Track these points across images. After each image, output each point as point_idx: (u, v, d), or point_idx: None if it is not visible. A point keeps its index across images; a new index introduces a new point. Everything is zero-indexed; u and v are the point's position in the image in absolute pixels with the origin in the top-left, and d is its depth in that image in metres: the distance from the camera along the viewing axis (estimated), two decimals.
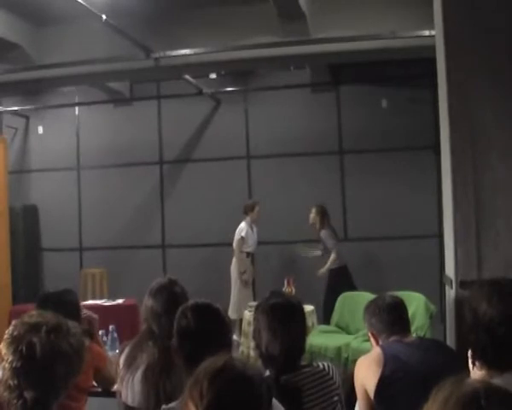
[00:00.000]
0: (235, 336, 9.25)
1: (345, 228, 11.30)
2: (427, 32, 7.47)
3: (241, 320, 8.98)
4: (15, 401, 2.27)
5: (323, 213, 9.79)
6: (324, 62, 10.43)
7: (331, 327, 8.66)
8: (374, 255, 10.97)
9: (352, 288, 9.45)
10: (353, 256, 10.93)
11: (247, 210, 10.10)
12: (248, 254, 10.09)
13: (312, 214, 9.82)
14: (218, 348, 2.57)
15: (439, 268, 9.60)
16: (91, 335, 4.23)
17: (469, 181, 4.52)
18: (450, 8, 4.66)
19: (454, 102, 4.62)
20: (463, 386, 1.66)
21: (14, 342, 2.30)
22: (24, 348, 2.26)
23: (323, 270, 9.51)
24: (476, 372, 2.55)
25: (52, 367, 2.27)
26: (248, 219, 10.08)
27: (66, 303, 4.00)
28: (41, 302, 4.02)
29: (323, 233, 9.69)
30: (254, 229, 10.20)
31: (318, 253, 9.84)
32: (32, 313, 2.43)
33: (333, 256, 9.50)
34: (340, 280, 9.43)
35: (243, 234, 9.96)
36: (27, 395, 2.26)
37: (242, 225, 10.04)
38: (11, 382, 2.28)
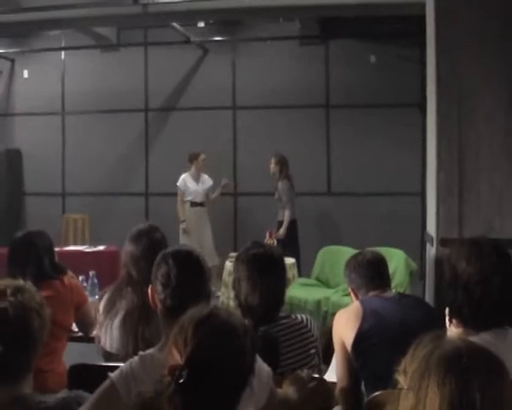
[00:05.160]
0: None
1: (328, 182, 11.31)
2: None
3: None
4: None
5: (283, 164, 9.70)
6: (314, 15, 10.35)
7: (311, 280, 8.70)
8: (356, 210, 10.97)
9: (297, 244, 9.47)
10: (336, 211, 10.99)
11: (192, 158, 10.16)
12: (194, 203, 10.11)
13: (272, 164, 9.76)
14: (198, 296, 2.57)
15: (420, 226, 9.65)
16: (65, 271, 4.20)
17: (454, 141, 4.54)
18: None
19: (442, 64, 4.62)
20: (445, 344, 1.66)
21: None
22: None
23: (282, 230, 9.37)
24: (452, 330, 2.58)
25: (28, 325, 2.25)
26: (193, 168, 10.15)
27: (36, 245, 4.02)
28: (14, 245, 4.03)
29: (281, 185, 9.61)
30: (203, 177, 10.22)
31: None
32: None
33: (287, 213, 9.46)
34: (289, 234, 9.43)
35: (178, 184, 10.07)
36: (11, 361, 2.24)
37: (182, 176, 10.13)
38: None
